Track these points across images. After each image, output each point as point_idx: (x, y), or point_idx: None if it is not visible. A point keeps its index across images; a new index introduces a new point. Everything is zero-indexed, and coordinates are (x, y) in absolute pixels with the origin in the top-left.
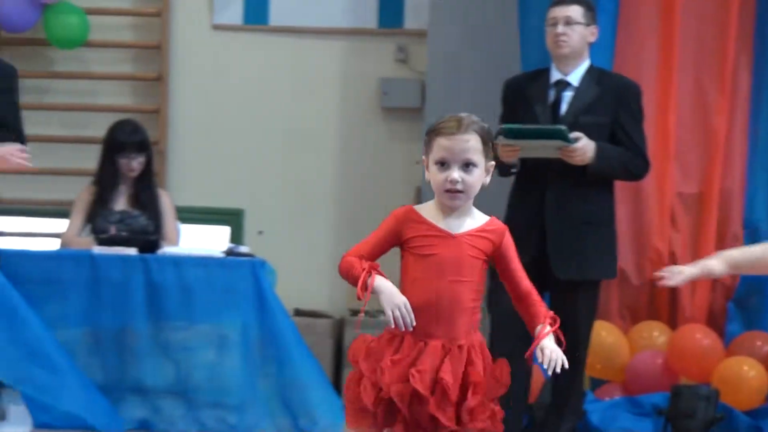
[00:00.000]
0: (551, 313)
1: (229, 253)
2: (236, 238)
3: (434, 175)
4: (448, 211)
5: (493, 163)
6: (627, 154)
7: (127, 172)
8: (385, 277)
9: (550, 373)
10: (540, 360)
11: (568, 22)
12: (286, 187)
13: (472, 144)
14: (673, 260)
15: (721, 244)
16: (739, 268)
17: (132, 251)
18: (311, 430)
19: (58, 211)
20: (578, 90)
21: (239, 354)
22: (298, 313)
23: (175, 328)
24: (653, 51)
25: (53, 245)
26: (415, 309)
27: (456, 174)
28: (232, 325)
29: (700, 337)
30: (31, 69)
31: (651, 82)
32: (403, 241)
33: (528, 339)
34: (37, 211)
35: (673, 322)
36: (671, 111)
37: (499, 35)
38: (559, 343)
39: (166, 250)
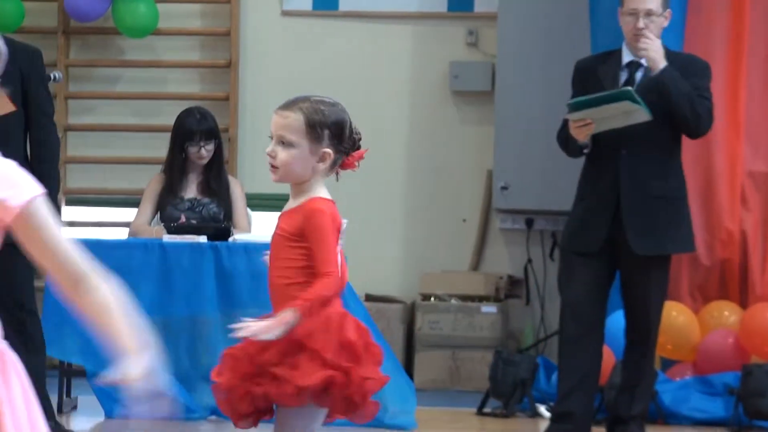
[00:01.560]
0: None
1: None
2: None
3: None
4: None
5: (327, 151)
6: (695, 95)
7: (197, 160)
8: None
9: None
10: None
11: (649, 14)
12: (357, 171)
13: (290, 121)
14: (744, 240)
15: None
16: None
17: (202, 239)
18: (382, 416)
19: (128, 200)
20: (649, 70)
21: None
22: (369, 298)
23: (246, 316)
24: (723, 31)
25: (123, 234)
26: None
27: (270, 147)
28: None
29: None
30: (101, 58)
31: (721, 62)
32: None
33: (599, 323)
34: (107, 200)
35: (744, 302)
36: (741, 90)
37: (569, 17)
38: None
39: (237, 237)
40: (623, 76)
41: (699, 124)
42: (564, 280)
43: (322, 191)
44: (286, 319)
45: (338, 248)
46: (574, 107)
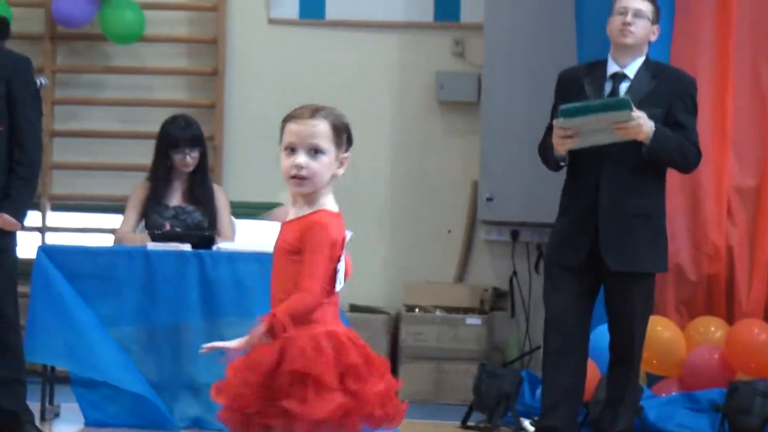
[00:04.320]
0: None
1: None
2: None
3: (282, 161)
4: (296, 198)
5: (347, 155)
6: (682, 140)
7: (182, 168)
8: None
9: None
10: None
11: (638, 14)
12: (342, 181)
13: (319, 129)
14: (730, 255)
15: None
16: None
17: (186, 247)
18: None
19: (113, 206)
20: (634, 82)
21: None
22: (354, 308)
23: (229, 324)
24: (709, 42)
25: (108, 241)
26: None
27: (302, 158)
28: None
29: (758, 332)
30: (88, 64)
31: (707, 74)
32: None
33: (583, 337)
34: (91, 206)
35: (730, 318)
36: (728, 103)
37: (555, 27)
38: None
39: (221, 245)
40: (607, 87)
41: (687, 167)
42: (548, 293)
43: (330, 202)
44: (254, 334)
45: (343, 261)
46: (567, 113)
